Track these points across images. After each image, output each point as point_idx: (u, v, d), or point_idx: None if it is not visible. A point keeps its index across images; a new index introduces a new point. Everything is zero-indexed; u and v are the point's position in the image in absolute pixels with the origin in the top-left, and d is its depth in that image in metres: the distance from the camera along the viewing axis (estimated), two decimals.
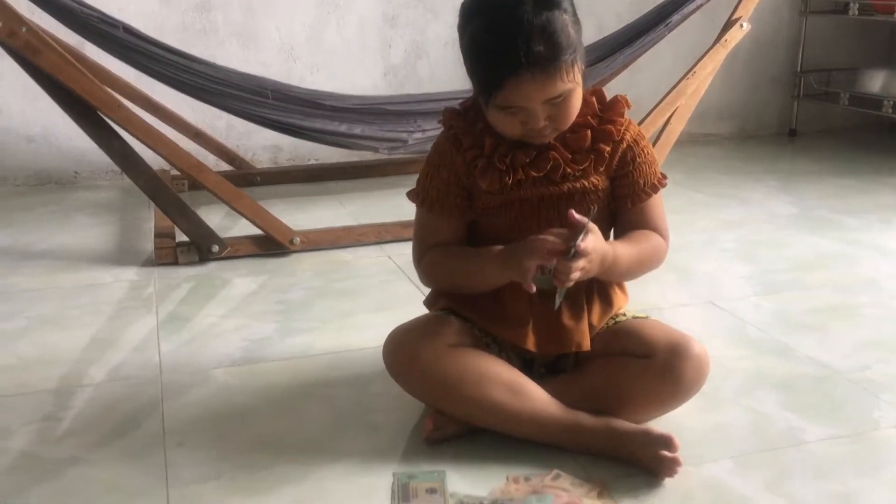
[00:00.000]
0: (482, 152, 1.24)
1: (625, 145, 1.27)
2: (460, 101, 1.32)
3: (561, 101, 1.17)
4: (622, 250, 1.23)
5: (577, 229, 1.14)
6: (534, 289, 1.15)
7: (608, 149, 1.26)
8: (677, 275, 1.99)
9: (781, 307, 1.79)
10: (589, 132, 1.25)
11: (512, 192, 1.24)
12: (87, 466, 1.23)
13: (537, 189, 1.25)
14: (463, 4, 1.21)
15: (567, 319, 1.27)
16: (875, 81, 3.33)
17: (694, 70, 2.39)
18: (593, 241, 1.16)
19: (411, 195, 1.33)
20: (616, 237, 1.31)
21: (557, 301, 1.20)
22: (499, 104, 1.17)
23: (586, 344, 1.27)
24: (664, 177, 1.31)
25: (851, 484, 1.16)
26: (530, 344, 1.26)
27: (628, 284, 1.38)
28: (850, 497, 1.13)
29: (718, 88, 3.38)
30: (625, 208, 1.29)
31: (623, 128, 1.27)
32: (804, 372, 1.50)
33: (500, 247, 1.22)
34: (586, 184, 1.25)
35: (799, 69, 3.57)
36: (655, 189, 1.29)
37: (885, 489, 1.15)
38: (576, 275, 1.15)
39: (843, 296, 1.86)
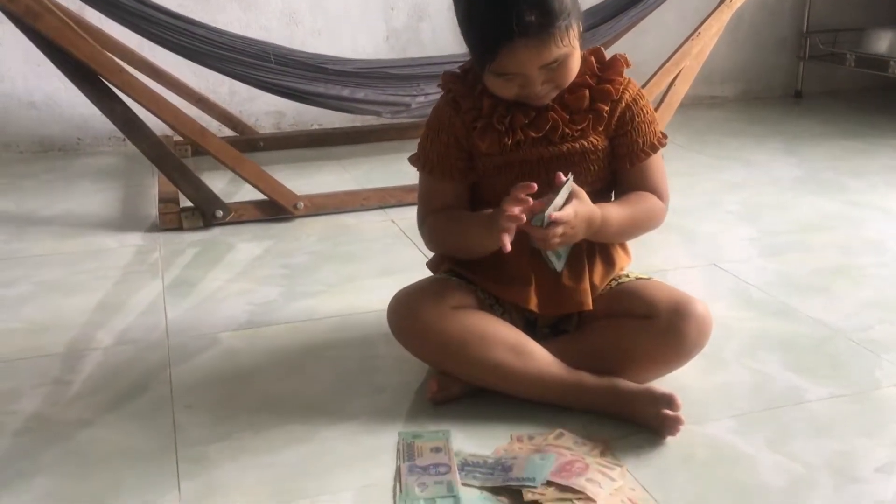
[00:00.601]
0: (481, 114, 1.25)
1: (623, 105, 1.27)
2: (461, 64, 1.32)
3: (557, 65, 1.18)
4: (613, 212, 1.24)
5: (555, 192, 1.15)
6: (508, 248, 1.13)
7: (606, 108, 1.26)
8: (681, 237, 1.99)
9: (785, 269, 1.80)
10: (587, 92, 1.25)
11: (511, 154, 1.25)
12: (97, 428, 1.25)
13: (536, 150, 1.25)
14: None
15: (568, 280, 1.27)
16: (882, 42, 3.29)
17: (698, 31, 2.37)
18: (575, 206, 1.16)
19: (413, 159, 1.33)
20: (616, 197, 1.31)
21: (555, 264, 1.21)
22: (494, 71, 1.18)
23: (588, 304, 1.27)
24: (664, 136, 1.30)
25: (852, 442, 1.17)
26: (532, 305, 1.27)
27: (631, 245, 1.38)
28: (851, 455, 1.15)
29: (723, 50, 3.35)
30: (624, 168, 1.29)
31: (622, 87, 1.27)
32: (806, 332, 1.50)
33: (488, 211, 1.21)
34: (585, 144, 1.26)
35: (805, 30, 3.54)
36: (655, 149, 1.29)
37: (886, 448, 1.16)
38: (555, 240, 1.16)
39: (846, 257, 1.86)
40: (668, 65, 2.36)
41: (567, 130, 1.24)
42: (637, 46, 2.83)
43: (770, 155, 2.73)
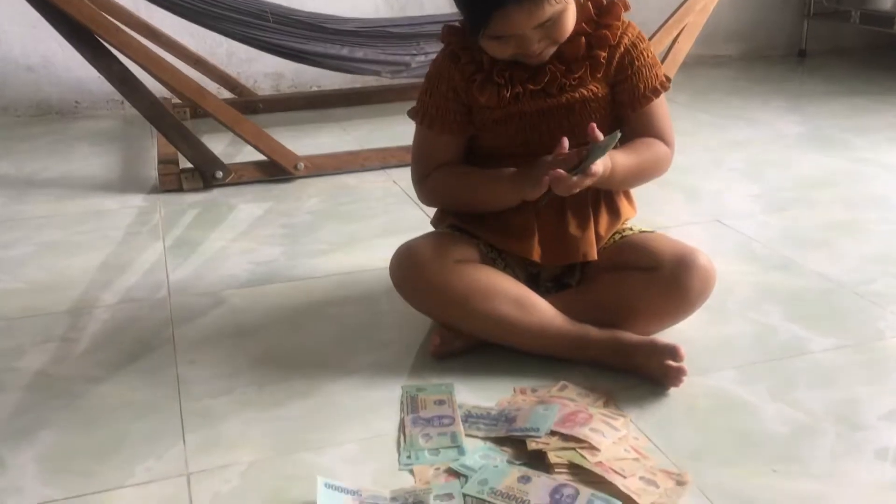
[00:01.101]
0: (480, 67, 1.23)
1: (622, 49, 1.25)
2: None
3: (552, 23, 1.16)
4: (620, 160, 1.22)
5: (595, 146, 1.14)
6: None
7: (604, 55, 1.24)
8: (684, 194, 1.98)
9: (788, 224, 1.79)
10: (583, 40, 1.23)
11: (510, 107, 1.24)
12: (101, 384, 1.25)
13: (535, 102, 1.24)
14: None
15: (573, 230, 1.27)
16: None
17: None
18: (605, 161, 1.16)
19: (411, 113, 1.32)
20: (620, 144, 1.30)
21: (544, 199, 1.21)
22: (489, 35, 1.16)
23: (593, 254, 1.27)
24: (667, 79, 1.29)
25: (856, 391, 1.18)
26: (536, 255, 1.27)
27: (637, 198, 1.37)
28: (854, 403, 1.15)
29: (727, 8, 3.31)
30: (627, 114, 1.28)
31: (619, 31, 1.25)
32: (810, 286, 1.50)
33: (512, 169, 1.22)
34: (585, 93, 1.24)
35: None
36: (657, 93, 1.27)
37: (889, 396, 1.16)
38: (576, 190, 1.16)
39: (850, 212, 1.85)
40: (671, 21, 2.33)
41: (565, 81, 1.23)
42: (640, 2, 2.79)
43: (774, 113, 2.71)
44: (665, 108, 1.30)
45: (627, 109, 1.27)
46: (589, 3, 1.25)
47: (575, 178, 1.14)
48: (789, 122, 2.60)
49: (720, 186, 2.04)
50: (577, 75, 1.23)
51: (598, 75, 1.25)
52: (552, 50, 1.21)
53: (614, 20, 1.25)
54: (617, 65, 1.25)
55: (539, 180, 1.15)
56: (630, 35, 1.26)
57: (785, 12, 3.58)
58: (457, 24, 1.29)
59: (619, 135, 1.14)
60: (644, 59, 1.26)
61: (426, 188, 1.33)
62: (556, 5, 1.13)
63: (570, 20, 1.19)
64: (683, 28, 2.34)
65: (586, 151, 1.16)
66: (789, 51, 3.63)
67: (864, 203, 1.91)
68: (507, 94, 1.23)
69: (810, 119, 2.62)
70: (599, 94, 1.25)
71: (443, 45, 1.29)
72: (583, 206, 1.27)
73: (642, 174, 1.28)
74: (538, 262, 1.29)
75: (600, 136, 1.15)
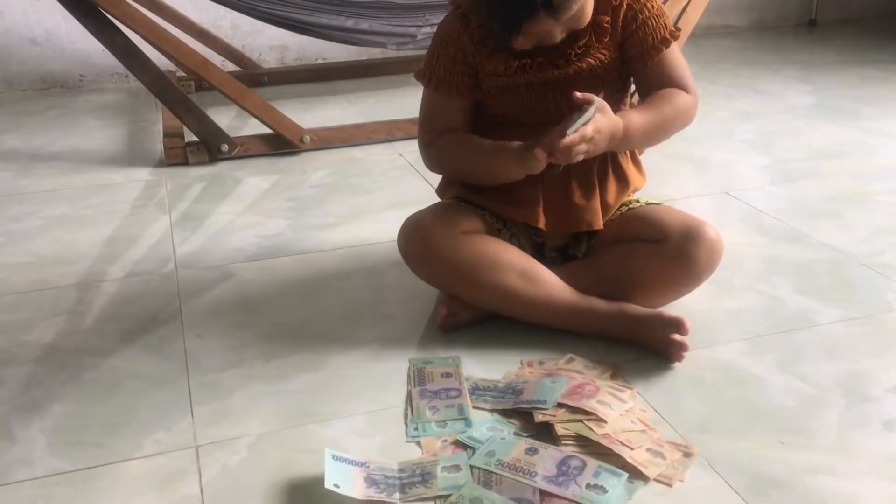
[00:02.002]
0: (490, 33, 1.22)
1: (625, 7, 1.23)
2: None
3: (575, 16, 1.17)
4: (637, 119, 1.21)
5: (581, 111, 1.13)
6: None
7: (607, 18, 1.22)
8: (693, 166, 1.96)
9: (797, 195, 1.78)
10: (588, 5, 1.20)
11: (516, 76, 1.23)
12: (110, 357, 1.26)
13: (543, 73, 1.23)
14: None
15: (578, 198, 1.26)
16: None
17: None
18: (598, 121, 1.14)
19: (418, 74, 1.31)
20: (640, 100, 1.28)
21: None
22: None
23: (598, 223, 1.26)
24: (677, 29, 1.26)
25: (864, 363, 1.17)
26: (542, 223, 1.26)
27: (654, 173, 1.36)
28: (862, 375, 1.14)
29: None
30: (640, 69, 1.25)
31: None
32: (819, 257, 1.49)
33: (516, 143, 1.21)
34: (592, 62, 1.23)
35: None
36: (667, 42, 1.24)
37: None
38: (579, 157, 1.14)
39: (859, 184, 1.83)
40: None
41: (570, 51, 1.21)
42: None
43: (784, 84, 2.68)
44: (679, 55, 1.27)
45: (638, 64, 1.25)
46: None
47: (566, 141, 1.11)
48: (799, 92, 2.58)
49: (729, 158, 2.03)
50: (582, 42, 1.21)
51: (605, 39, 1.23)
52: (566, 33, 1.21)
53: None
54: (622, 23, 1.23)
55: (536, 155, 1.14)
56: None
57: None
58: None
59: (595, 108, 1.14)
60: (650, 11, 1.24)
61: (431, 154, 1.32)
62: (577, 4, 1.14)
63: (589, 9, 1.19)
64: None
65: (571, 120, 1.14)
66: (800, 20, 3.58)
67: (873, 174, 1.89)
68: (515, 64, 1.22)
69: (820, 89, 2.59)
70: (607, 60, 1.24)
71: (452, 7, 1.27)
72: (588, 174, 1.26)
73: (665, 128, 1.25)
74: (544, 231, 1.28)
75: (583, 97, 1.14)
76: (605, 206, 1.27)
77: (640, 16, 1.24)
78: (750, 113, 2.38)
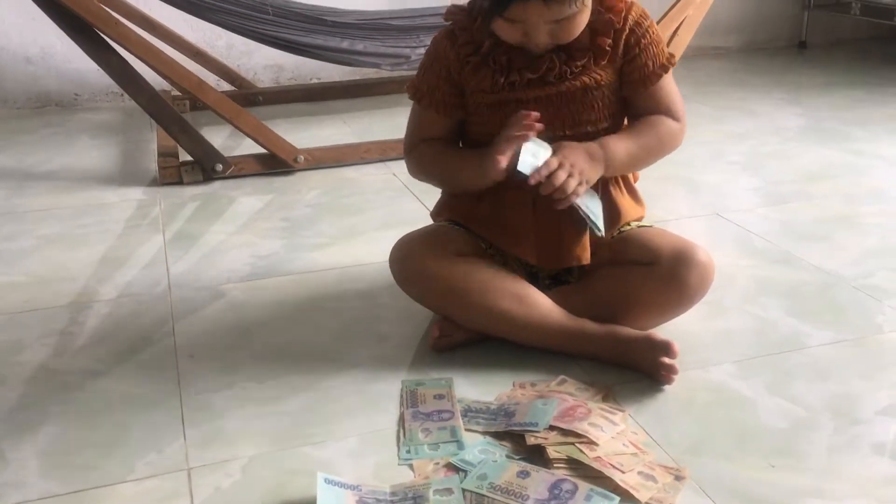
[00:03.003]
0: (477, 49, 1.22)
1: (627, 31, 1.23)
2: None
3: (565, 21, 1.16)
4: (618, 144, 1.22)
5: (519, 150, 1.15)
6: (504, 164, 1.16)
7: (609, 41, 1.22)
8: (684, 187, 1.98)
9: (787, 217, 1.79)
10: (587, 28, 1.21)
11: (504, 93, 1.22)
12: (102, 378, 1.26)
13: (532, 90, 1.22)
14: None
15: (570, 233, 1.25)
16: None
17: None
18: (562, 151, 1.16)
19: (408, 87, 1.32)
20: (629, 122, 1.29)
21: (595, 225, 1.19)
22: (503, 16, 1.16)
23: (586, 258, 1.26)
24: (672, 55, 1.27)
25: (854, 385, 1.18)
26: (532, 258, 1.26)
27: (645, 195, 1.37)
28: (852, 398, 1.15)
29: (728, 0, 3.30)
30: (635, 94, 1.26)
31: (623, 13, 1.23)
32: (809, 279, 1.50)
33: (482, 150, 1.21)
34: (587, 80, 1.22)
35: None
36: (665, 69, 1.25)
37: (887, 391, 1.17)
38: (571, 187, 1.14)
39: (849, 206, 1.85)
40: (671, 13, 2.32)
41: (566, 69, 1.21)
42: None
43: (774, 105, 2.71)
44: (672, 83, 1.28)
45: (639, 88, 1.25)
46: None
47: (552, 179, 1.13)
48: (789, 114, 2.60)
49: (720, 179, 2.04)
50: (579, 63, 1.21)
51: (603, 62, 1.23)
52: (552, 46, 1.20)
53: (618, 2, 1.23)
54: (623, 46, 1.23)
55: (494, 158, 1.16)
56: (634, 14, 1.24)
57: (785, 4, 3.57)
58: (464, 4, 1.27)
59: (531, 137, 1.17)
60: (650, 37, 1.24)
61: (411, 160, 1.34)
62: (573, 8, 1.14)
63: (583, 22, 1.18)
64: (683, 20, 2.34)
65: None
66: (790, 42, 3.62)
67: (863, 196, 1.91)
68: (502, 80, 1.21)
69: (810, 111, 2.62)
70: (602, 81, 1.23)
71: (445, 24, 1.28)
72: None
73: (650, 154, 1.26)
74: (534, 264, 1.29)
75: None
76: (594, 240, 1.26)
77: (642, 41, 1.23)
78: (740, 134, 2.40)
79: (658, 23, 2.29)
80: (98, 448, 1.09)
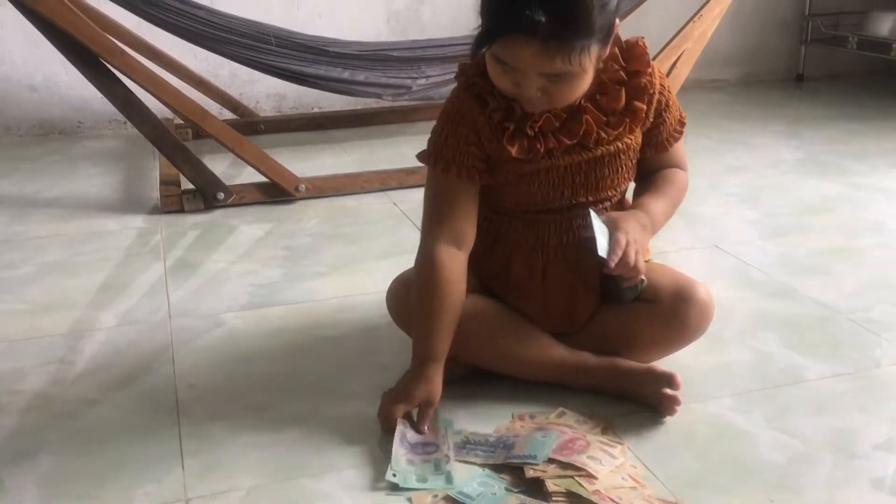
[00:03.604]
0: (510, 115, 1.15)
1: (657, 95, 1.20)
2: (465, 45, 1.27)
3: (558, 79, 1.08)
4: (655, 206, 1.22)
5: (591, 247, 1.14)
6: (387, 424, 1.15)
7: (644, 106, 1.18)
8: (683, 219, 1.99)
9: (786, 250, 1.80)
10: (622, 90, 1.17)
11: (541, 162, 1.17)
12: (101, 407, 1.26)
13: (568, 157, 1.17)
14: None
15: (579, 303, 1.25)
16: (884, 24, 3.28)
17: (700, 13, 2.36)
18: (622, 227, 1.15)
19: (422, 156, 1.21)
20: (640, 180, 1.29)
21: (630, 296, 1.20)
22: (493, 53, 1.10)
23: (581, 323, 1.26)
24: (684, 114, 1.28)
25: (852, 419, 1.18)
26: (541, 323, 1.25)
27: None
28: (851, 432, 1.15)
29: (726, 33, 3.34)
30: (660, 153, 1.25)
31: (651, 77, 1.19)
32: (807, 313, 1.51)
33: (429, 365, 1.17)
34: (620, 145, 1.19)
35: (807, 13, 3.52)
36: (683, 125, 1.27)
37: (886, 424, 1.17)
38: (641, 263, 1.14)
39: (847, 239, 1.86)
40: (669, 47, 2.35)
41: (603, 134, 1.17)
42: (639, 30, 2.81)
43: (772, 138, 2.73)
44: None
45: (661, 149, 1.25)
46: (616, 49, 1.17)
47: (625, 261, 1.12)
48: (787, 146, 2.62)
49: (718, 211, 2.06)
50: (616, 132, 1.18)
51: (637, 128, 1.21)
52: (545, 108, 1.14)
53: (645, 66, 1.18)
54: (655, 110, 1.22)
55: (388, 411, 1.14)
56: (658, 75, 1.21)
57: (783, 37, 3.61)
58: (474, 64, 1.17)
59: (591, 212, 1.17)
60: (672, 99, 1.24)
61: (422, 261, 1.19)
62: (568, 66, 1.05)
63: (578, 89, 1.11)
64: (682, 54, 2.37)
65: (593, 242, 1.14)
66: (787, 75, 3.65)
67: (861, 229, 1.92)
68: (541, 149, 1.15)
69: (808, 144, 2.64)
70: (633, 144, 1.21)
71: (460, 82, 1.19)
72: (591, 276, 1.24)
73: (675, 207, 1.28)
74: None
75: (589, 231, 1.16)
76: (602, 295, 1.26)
77: (669, 103, 1.23)
78: (739, 167, 2.41)
79: (657, 56, 2.33)
80: (96, 477, 1.09)
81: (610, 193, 1.23)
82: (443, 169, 1.18)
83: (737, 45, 3.53)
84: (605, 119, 1.17)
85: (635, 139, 1.22)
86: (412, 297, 1.21)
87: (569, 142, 1.16)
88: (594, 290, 1.25)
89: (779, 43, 3.61)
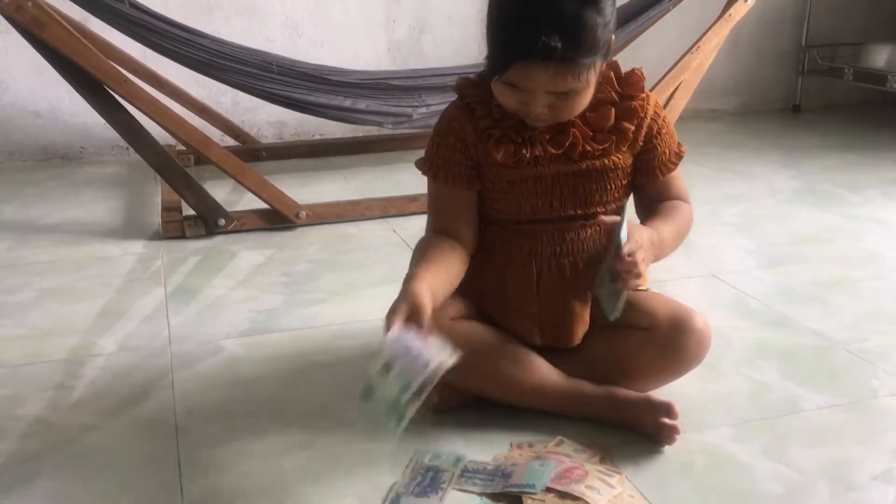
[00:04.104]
0: (496, 123, 1.20)
1: (649, 120, 1.24)
2: (465, 74, 1.31)
3: (566, 96, 1.14)
4: (664, 230, 1.22)
5: (614, 229, 1.14)
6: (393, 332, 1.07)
7: (632, 127, 1.22)
8: (680, 248, 1.97)
9: (783, 280, 1.81)
10: (612, 110, 1.21)
11: (526, 168, 1.21)
12: (100, 433, 1.26)
13: (554, 166, 1.21)
14: None
15: (573, 314, 1.25)
16: (880, 56, 3.32)
17: (698, 45, 2.39)
18: (639, 239, 1.14)
19: (419, 163, 1.30)
20: (642, 210, 1.30)
21: (618, 310, 1.17)
22: (503, 79, 1.14)
23: (580, 337, 1.26)
24: (682, 146, 1.29)
25: (849, 450, 1.18)
26: (534, 338, 1.26)
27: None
28: (848, 463, 1.16)
29: (723, 64, 3.37)
30: (652, 182, 1.27)
31: (645, 103, 1.23)
32: (804, 343, 1.51)
33: (415, 279, 1.13)
34: (607, 162, 1.22)
35: (803, 44, 3.56)
36: (679, 157, 1.28)
37: (883, 456, 1.17)
38: (642, 268, 1.13)
39: (844, 269, 1.87)
40: (667, 78, 2.38)
41: (588, 148, 1.21)
42: (638, 60, 2.83)
43: (769, 167, 2.75)
44: (679, 169, 1.31)
45: (655, 176, 1.26)
46: (611, 72, 1.22)
47: (632, 260, 1.12)
48: (784, 176, 2.64)
49: (716, 240, 2.07)
50: (602, 147, 1.21)
51: (624, 147, 1.23)
52: (549, 123, 1.19)
53: (639, 91, 1.23)
54: (645, 135, 1.24)
55: (398, 306, 1.08)
56: (652, 104, 1.25)
57: (780, 68, 3.64)
58: (472, 76, 1.25)
59: (625, 214, 1.15)
60: (667, 128, 1.26)
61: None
62: (577, 83, 1.11)
63: (583, 103, 1.17)
64: (679, 85, 2.39)
65: (607, 243, 1.15)
66: (784, 105, 3.69)
67: (857, 259, 1.93)
68: (527, 154, 1.19)
69: (805, 174, 2.66)
70: (620, 165, 1.23)
71: (457, 97, 1.25)
72: (585, 288, 1.24)
73: (681, 237, 1.28)
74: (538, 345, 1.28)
75: (611, 219, 1.15)
76: (593, 317, 1.27)
77: (662, 131, 1.25)
78: (736, 196, 2.43)
79: (655, 86, 2.36)
80: None
81: (599, 210, 1.24)
82: (433, 176, 1.26)
83: (734, 75, 3.57)
84: (591, 134, 1.21)
85: (623, 160, 1.24)
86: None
87: (554, 151, 1.20)
88: (588, 303, 1.26)
89: (775, 74, 3.65)
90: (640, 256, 1.13)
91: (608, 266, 1.15)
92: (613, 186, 1.24)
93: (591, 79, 1.14)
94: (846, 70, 3.39)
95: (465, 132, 1.23)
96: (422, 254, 1.22)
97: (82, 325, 1.64)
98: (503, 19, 1.12)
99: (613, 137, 1.22)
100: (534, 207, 1.23)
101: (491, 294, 1.28)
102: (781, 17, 3.58)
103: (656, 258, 1.21)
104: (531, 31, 1.06)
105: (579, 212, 1.24)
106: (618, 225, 1.14)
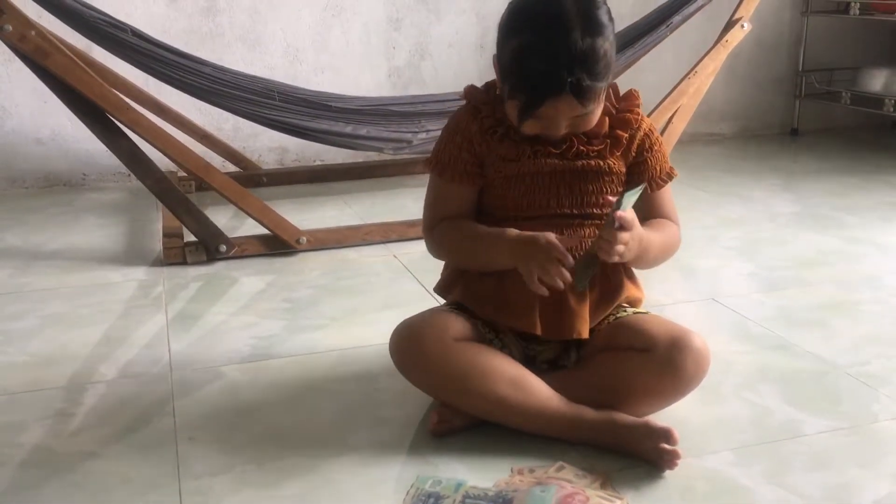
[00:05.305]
0: (500, 122, 1.28)
1: (642, 133, 1.32)
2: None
3: (583, 116, 1.24)
4: (653, 237, 1.28)
5: (618, 199, 1.18)
6: (543, 291, 1.21)
7: (626, 135, 1.30)
8: (680, 272, 2.01)
9: (783, 303, 1.81)
10: (606, 119, 1.29)
11: (526, 163, 1.28)
12: (101, 460, 1.26)
13: (552, 163, 1.28)
14: (510, 9, 1.24)
15: (572, 304, 1.28)
16: (876, 80, 3.35)
17: (695, 70, 2.42)
18: (632, 215, 1.20)
19: (426, 162, 1.36)
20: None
21: (584, 282, 1.23)
22: (534, 115, 1.22)
23: (585, 331, 1.28)
24: (673, 169, 1.36)
25: (850, 474, 1.18)
26: (538, 330, 1.28)
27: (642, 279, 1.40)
28: (849, 487, 1.15)
29: (721, 89, 3.40)
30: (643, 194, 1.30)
31: (639, 118, 1.32)
32: (805, 367, 1.52)
33: (515, 232, 1.24)
34: (602, 164, 1.30)
35: (801, 69, 3.59)
36: (670, 177, 1.35)
37: (884, 480, 1.17)
38: (620, 248, 1.18)
39: (843, 292, 1.88)
40: (665, 103, 2.40)
41: (583, 149, 1.29)
42: (635, 85, 2.87)
43: (767, 191, 2.76)
44: (671, 192, 1.37)
45: (646, 189, 1.30)
46: (609, 91, 1.30)
47: (615, 232, 1.17)
48: (783, 199, 2.65)
49: (716, 264, 2.08)
50: (596, 148, 1.29)
51: (618, 153, 1.31)
52: (567, 133, 1.27)
53: (634, 107, 1.32)
54: (637, 146, 1.32)
55: (532, 268, 1.19)
56: (646, 123, 1.34)
57: (777, 92, 3.67)
58: (479, 86, 1.34)
59: (644, 185, 1.23)
60: (659, 146, 1.34)
61: (433, 239, 1.35)
62: (593, 104, 1.22)
63: (596, 117, 1.27)
64: (678, 109, 2.41)
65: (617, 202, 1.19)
66: (782, 129, 3.71)
67: (857, 283, 1.94)
68: (528, 148, 1.27)
69: (803, 197, 2.67)
70: (615, 169, 1.31)
71: (465, 102, 1.33)
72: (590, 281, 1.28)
73: (666, 252, 1.34)
74: (535, 343, 1.31)
75: (613, 198, 1.21)
76: (593, 314, 1.30)
77: (654, 146, 1.33)
78: (735, 220, 2.44)
79: (652, 112, 2.38)
80: None
81: (595, 211, 1.30)
82: (439, 173, 1.32)
83: (732, 100, 3.59)
84: (586, 139, 1.29)
85: (617, 165, 1.31)
86: (449, 255, 1.36)
87: (553, 150, 1.28)
88: (586, 300, 1.29)
89: (773, 98, 3.67)
90: (624, 236, 1.18)
91: (597, 239, 1.20)
92: (608, 189, 1.30)
93: (603, 95, 1.25)
94: (843, 94, 3.41)
95: (471, 131, 1.30)
96: (470, 227, 1.30)
97: (83, 351, 1.64)
98: (526, 65, 1.20)
99: (608, 141, 1.30)
100: (531, 204, 1.29)
101: (492, 296, 1.30)
102: (778, 43, 3.61)
103: (639, 256, 1.25)
104: (556, 71, 1.16)
105: (575, 211, 1.30)
106: (621, 196, 1.18)
